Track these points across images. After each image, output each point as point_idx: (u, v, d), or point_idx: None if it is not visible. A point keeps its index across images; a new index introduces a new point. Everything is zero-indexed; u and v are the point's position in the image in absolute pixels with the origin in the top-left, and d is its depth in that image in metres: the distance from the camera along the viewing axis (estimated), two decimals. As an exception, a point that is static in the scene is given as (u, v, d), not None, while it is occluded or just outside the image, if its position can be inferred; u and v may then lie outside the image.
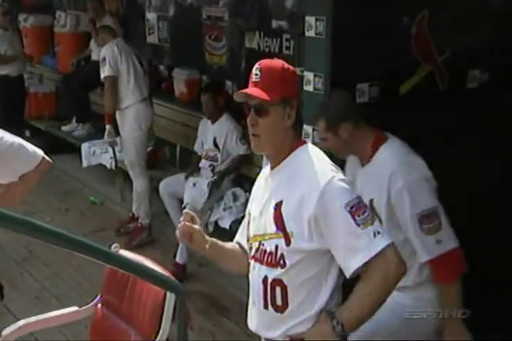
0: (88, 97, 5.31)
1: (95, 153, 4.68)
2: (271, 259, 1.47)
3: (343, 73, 2.23)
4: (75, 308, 2.00)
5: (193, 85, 4.55)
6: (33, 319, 1.91)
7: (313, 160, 1.45)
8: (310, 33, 2.27)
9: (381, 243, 1.39)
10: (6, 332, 1.80)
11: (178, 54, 4.91)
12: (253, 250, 1.53)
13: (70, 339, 2.89)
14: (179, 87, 4.62)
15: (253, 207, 1.57)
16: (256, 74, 1.44)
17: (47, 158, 1.98)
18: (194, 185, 3.60)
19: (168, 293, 1.75)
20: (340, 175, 1.43)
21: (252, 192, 1.63)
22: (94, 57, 5.24)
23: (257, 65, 1.46)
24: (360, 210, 1.39)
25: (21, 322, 1.86)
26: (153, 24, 5.08)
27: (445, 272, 1.87)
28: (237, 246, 1.66)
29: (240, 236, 1.66)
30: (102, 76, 3.88)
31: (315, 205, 1.38)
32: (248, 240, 1.57)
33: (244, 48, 4.17)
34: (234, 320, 3.05)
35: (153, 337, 1.78)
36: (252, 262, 1.54)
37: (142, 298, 1.87)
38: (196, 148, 3.80)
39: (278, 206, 1.45)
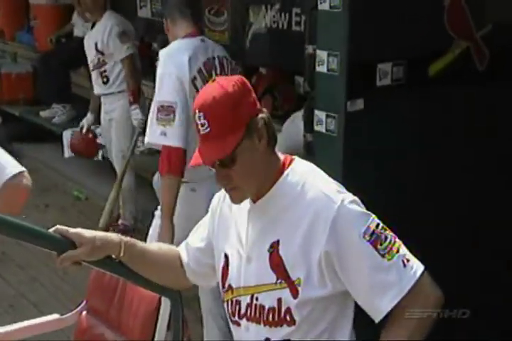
0: (69, 78, 5.31)
1: (78, 142, 4.69)
2: (273, 317, 1.33)
3: (361, 51, 2.19)
4: (55, 316, 2.01)
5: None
6: (6, 328, 1.91)
7: (310, 182, 1.32)
8: (324, 6, 2.25)
9: (414, 273, 1.28)
10: (-25, 343, 1.81)
11: (173, 30, 4.90)
12: (242, 306, 1.37)
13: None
14: (174, 68, 4.62)
15: (227, 247, 1.40)
16: (202, 125, 1.26)
17: (24, 178, 1.79)
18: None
19: (162, 299, 1.75)
20: (349, 195, 1.31)
21: (207, 221, 1.47)
22: (77, 33, 5.23)
23: (197, 111, 1.27)
24: (381, 236, 1.28)
25: (-5, 332, 1.88)
26: (145, -4, 5.08)
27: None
28: (176, 255, 1.52)
29: (185, 251, 1.51)
30: (124, 55, 3.91)
31: (326, 240, 1.26)
32: (227, 291, 1.41)
33: (249, 24, 4.16)
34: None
35: (145, 348, 1.80)
36: (243, 322, 1.38)
37: (133, 305, 1.87)
38: None
39: (274, 248, 1.32)
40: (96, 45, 3.96)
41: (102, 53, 3.97)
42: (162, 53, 2.56)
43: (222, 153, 1.26)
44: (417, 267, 1.30)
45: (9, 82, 5.87)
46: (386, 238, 1.29)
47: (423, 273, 1.30)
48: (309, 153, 2.36)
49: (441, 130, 2.41)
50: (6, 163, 1.82)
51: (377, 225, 1.29)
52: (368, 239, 1.27)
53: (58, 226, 1.40)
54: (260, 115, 1.30)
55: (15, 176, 1.80)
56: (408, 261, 1.29)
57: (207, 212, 1.50)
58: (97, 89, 4.06)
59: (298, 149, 2.48)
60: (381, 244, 1.27)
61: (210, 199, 1.49)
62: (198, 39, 2.65)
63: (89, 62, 4.04)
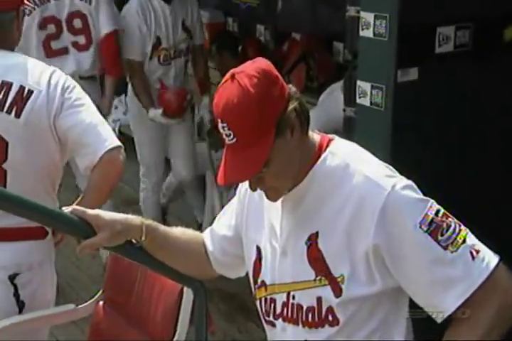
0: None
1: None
2: (312, 317, 1.30)
3: (416, 12, 2.11)
4: (70, 306, 2.04)
5: (216, 30, 4.52)
6: (18, 318, 1.94)
7: (353, 165, 1.27)
8: (369, -42, 2.20)
9: (487, 265, 1.22)
10: (-14, 332, 1.85)
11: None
12: (277, 305, 1.35)
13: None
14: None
15: (259, 239, 1.38)
16: (228, 135, 1.23)
17: (121, 153, 1.90)
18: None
19: (185, 289, 1.76)
20: (402, 180, 1.26)
21: (234, 206, 1.46)
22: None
23: (219, 121, 1.24)
24: (442, 225, 1.22)
25: (5, 322, 1.90)
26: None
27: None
28: (201, 241, 1.52)
29: (210, 238, 1.51)
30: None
31: (374, 232, 1.22)
32: (260, 288, 1.38)
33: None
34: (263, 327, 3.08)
35: (167, 342, 1.81)
36: (278, 323, 1.36)
37: (153, 295, 1.89)
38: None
39: (312, 240, 1.29)
40: (184, 22, 3.50)
41: (191, 33, 3.55)
42: None
43: (255, 168, 1.23)
44: (489, 258, 1.24)
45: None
46: (449, 227, 1.23)
47: (498, 264, 1.24)
48: (349, 130, 2.33)
49: (510, 104, 2.33)
50: (107, 136, 1.93)
51: (437, 212, 1.24)
52: (425, 229, 1.22)
53: (75, 207, 1.40)
54: (291, 106, 1.25)
55: (112, 149, 1.90)
56: (478, 252, 1.23)
57: None
58: (175, 84, 3.51)
59: (336, 126, 2.44)
60: (442, 234, 1.22)
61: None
62: None
63: (165, 45, 3.45)
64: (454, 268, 1.22)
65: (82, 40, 3.29)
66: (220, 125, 1.24)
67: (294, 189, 1.31)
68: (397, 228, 1.22)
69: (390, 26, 2.12)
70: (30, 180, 1.90)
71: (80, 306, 2.04)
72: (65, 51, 3.26)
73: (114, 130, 4.55)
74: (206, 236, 1.53)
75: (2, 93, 1.85)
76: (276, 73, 1.26)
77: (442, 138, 2.26)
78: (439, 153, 2.25)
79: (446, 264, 1.22)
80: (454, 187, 2.15)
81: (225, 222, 1.50)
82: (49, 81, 1.90)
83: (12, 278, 1.92)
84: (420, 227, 1.22)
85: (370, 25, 2.18)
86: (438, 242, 1.22)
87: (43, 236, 1.97)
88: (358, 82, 2.24)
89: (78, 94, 1.94)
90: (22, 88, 1.87)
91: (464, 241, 1.23)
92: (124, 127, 4.54)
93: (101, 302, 2.06)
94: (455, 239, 1.23)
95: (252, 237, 1.42)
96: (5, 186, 1.86)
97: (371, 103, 2.21)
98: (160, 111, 3.32)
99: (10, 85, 1.87)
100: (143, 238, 1.42)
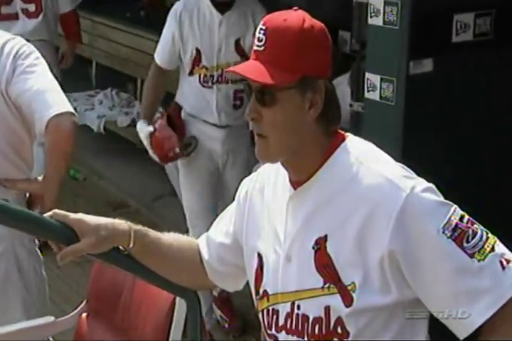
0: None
1: (76, 110, 4.74)
2: (319, 329, 1.28)
3: (430, -1, 2.14)
4: (49, 319, 2.02)
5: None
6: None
7: (368, 164, 1.27)
8: None
9: None
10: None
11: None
12: (280, 317, 1.34)
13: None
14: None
15: (261, 245, 1.38)
16: (259, 40, 1.26)
17: (68, 119, 1.93)
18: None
19: (177, 300, 1.75)
20: (422, 182, 1.25)
21: (233, 212, 1.46)
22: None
23: (261, 24, 1.27)
24: (467, 231, 1.21)
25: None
26: None
27: None
28: (195, 249, 1.51)
29: (206, 246, 1.50)
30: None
31: (390, 237, 1.20)
32: (262, 298, 1.37)
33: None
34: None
35: (157, 357, 1.82)
36: (281, 336, 1.34)
37: (143, 306, 1.88)
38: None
39: (320, 244, 1.27)
40: (238, 42, 3.01)
41: (246, 57, 2.81)
42: None
43: (262, 79, 1.23)
44: None
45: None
46: (475, 233, 1.22)
47: None
48: (357, 126, 2.32)
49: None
50: (54, 102, 1.96)
51: (462, 218, 1.23)
52: (449, 234, 1.20)
53: (56, 211, 1.37)
54: (325, 82, 1.27)
55: (58, 115, 1.93)
56: (509, 262, 1.22)
57: None
58: (220, 118, 3.07)
59: (341, 122, 2.44)
60: (468, 241, 1.20)
61: None
62: None
63: (205, 63, 3.00)
64: (481, 279, 1.20)
65: (32, 7, 3.80)
66: (259, 27, 1.27)
67: (301, 186, 1.30)
68: (416, 232, 1.21)
69: (401, 13, 2.12)
70: None
71: (61, 319, 2.03)
72: (15, 17, 3.79)
73: (98, 127, 4.63)
74: (202, 243, 1.52)
75: None
76: (330, 44, 1.31)
77: (456, 134, 2.26)
78: (452, 150, 2.24)
79: (473, 274, 1.20)
80: (466, 184, 2.16)
81: (222, 227, 1.49)
82: (2, 48, 1.96)
83: None
84: (443, 232, 1.20)
85: (380, 12, 2.19)
86: (463, 249, 1.20)
87: None
88: (367, 75, 2.24)
89: (32, 60, 1.99)
90: None
91: (493, 249, 1.22)
92: (109, 123, 4.52)
93: (84, 314, 2.05)
94: (482, 246, 1.21)
95: (252, 244, 1.40)
96: None
97: (381, 97, 2.21)
98: (150, 129, 3.05)
99: None
100: (131, 245, 1.40)
